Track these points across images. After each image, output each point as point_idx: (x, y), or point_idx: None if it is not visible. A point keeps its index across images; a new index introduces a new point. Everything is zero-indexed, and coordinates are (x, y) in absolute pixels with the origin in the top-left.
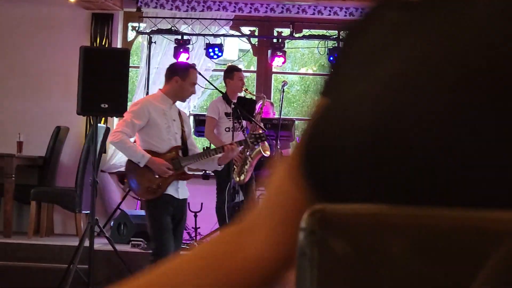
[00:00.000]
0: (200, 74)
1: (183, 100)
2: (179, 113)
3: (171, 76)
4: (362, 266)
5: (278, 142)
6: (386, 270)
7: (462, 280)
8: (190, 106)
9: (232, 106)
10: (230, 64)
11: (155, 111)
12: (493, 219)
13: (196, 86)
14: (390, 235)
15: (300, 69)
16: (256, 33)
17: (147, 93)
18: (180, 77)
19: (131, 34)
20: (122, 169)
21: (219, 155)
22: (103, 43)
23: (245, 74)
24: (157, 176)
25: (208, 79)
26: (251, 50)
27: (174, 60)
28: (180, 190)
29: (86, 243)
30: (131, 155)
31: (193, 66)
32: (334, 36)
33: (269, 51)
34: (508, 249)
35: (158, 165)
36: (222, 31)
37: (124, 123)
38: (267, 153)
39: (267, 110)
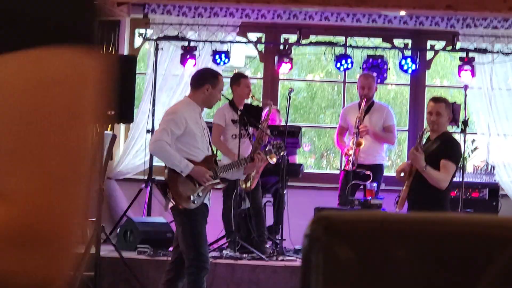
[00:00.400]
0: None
1: (210, 107)
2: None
3: (201, 84)
4: (366, 272)
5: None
6: (390, 276)
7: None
8: None
9: (239, 113)
10: (236, 71)
11: (191, 119)
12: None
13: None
14: (394, 242)
15: (307, 76)
16: (263, 40)
17: (154, 100)
18: (211, 85)
19: (138, 41)
20: (129, 176)
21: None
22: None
23: (251, 80)
24: (197, 185)
25: None
26: (257, 56)
27: (181, 67)
28: (209, 199)
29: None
30: (175, 164)
31: (220, 74)
32: (341, 43)
33: (276, 58)
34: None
35: (201, 174)
36: (229, 38)
37: (163, 131)
38: (274, 160)
39: (273, 117)
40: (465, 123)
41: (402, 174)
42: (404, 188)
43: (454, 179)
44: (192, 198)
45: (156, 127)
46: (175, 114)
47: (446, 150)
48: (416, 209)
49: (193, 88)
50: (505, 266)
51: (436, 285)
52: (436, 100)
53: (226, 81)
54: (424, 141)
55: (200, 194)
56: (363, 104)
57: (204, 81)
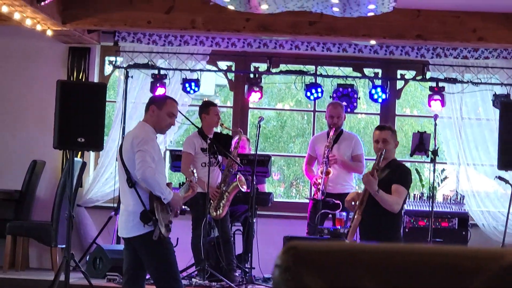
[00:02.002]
0: (168, 103)
1: (162, 133)
2: None
3: (148, 106)
4: None
5: (254, 177)
6: None
7: None
8: (167, 141)
9: (208, 141)
10: (206, 99)
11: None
12: (465, 256)
13: (168, 114)
14: (363, 272)
15: (276, 104)
16: (233, 68)
17: (124, 128)
18: (157, 106)
19: (108, 68)
20: (99, 203)
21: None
22: (80, 77)
23: (221, 109)
24: (169, 213)
25: (184, 114)
26: (227, 85)
27: (151, 95)
28: None
29: (62, 277)
30: (161, 191)
31: (171, 98)
32: (311, 72)
33: (246, 86)
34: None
35: (178, 202)
36: (199, 66)
37: (147, 157)
38: (244, 188)
39: (243, 145)
40: (435, 152)
41: (352, 203)
42: (356, 216)
43: (415, 208)
44: (169, 226)
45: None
46: (151, 139)
47: (396, 176)
48: (369, 237)
49: (145, 112)
50: None
51: None
52: (381, 128)
53: (196, 110)
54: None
55: (171, 222)
56: (331, 133)
57: (151, 103)
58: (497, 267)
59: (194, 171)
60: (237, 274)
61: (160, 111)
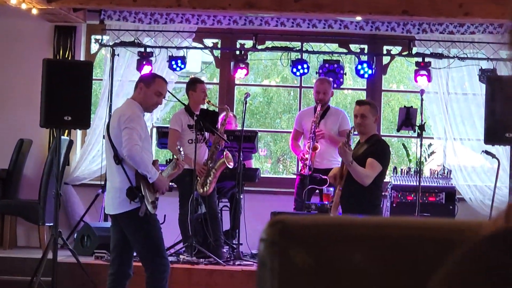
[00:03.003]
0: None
1: (149, 111)
2: None
3: (137, 84)
4: (322, 275)
5: (241, 153)
6: (346, 279)
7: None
8: (153, 118)
9: (195, 118)
10: (192, 76)
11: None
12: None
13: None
14: (349, 245)
15: (263, 81)
16: (219, 45)
17: (110, 106)
18: (144, 84)
19: (94, 47)
20: (86, 181)
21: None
22: (66, 56)
23: (208, 86)
24: (155, 191)
25: (171, 91)
26: (214, 62)
27: (137, 73)
28: None
29: (50, 255)
30: (147, 170)
31: (160, 76)
32: (297, 48)
33: (232, 63)
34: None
35: (164, 184)
36: (185, 44)
37: (135, 135)
38: (231, 165)
39: (229, 122)
40: (422, 127)
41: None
42: (336, 191)
43: (402, 183)
44: (156, 203)
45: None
46: (138, 117)
47: (373, 150)
48: (349, 211)
49: (136, 89)
50: (455, 267)
51: (391, 286)
52: (360, 103)
53: (182, 87)
54: (354, 144)
55: (158, 199)
56: (318, 109)
57: (140, 81)
58: (478, 238)
59: (181, 149)
60: (224, 250)
61: (147, 89)
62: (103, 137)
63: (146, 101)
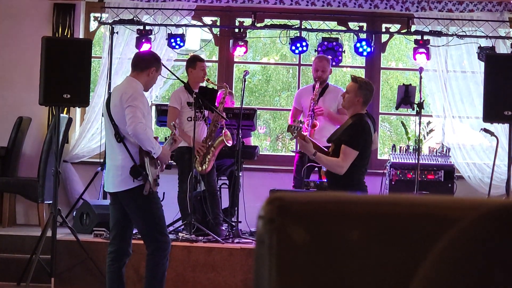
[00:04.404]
0: (162, 64)
1: (147, 91)
2: None
3: (147, 66)
4: (320, 252)
5: (240, 131)
6: (344, 256)
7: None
8: (152, 96)
9: (194, 96)
10: (192, 54)
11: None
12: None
13: (158, 76)
14: (347, 222)
15: (262, 59)
16: (218, 23)
17: (109, 84)
18: (156, 69)
19: (93, 25)
20: (85, 159)
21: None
22: (65, 34)
23: (207, 64)
24: (158, 167)
25: (170, 69)
26: (213, 40)
27: (136, 51)
28: None
29: (49, 233)
30: (151, 146)
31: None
32: (296, 26)
33: (231, 41)
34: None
35: (167, 157)
36: (184, 21)
37: (138, 112)
38: (230, 143)
39: (228, 100)
40: (420, 105)
41: None
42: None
43: (401, 161)
44: (158, 180)
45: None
46: (140, 95)
47: (348, 134)
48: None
49: (138, 69)
50: (450, 244)
51: (387, 264)
52: (351, 79)
53: (182, 65)
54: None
55: (159, 176)
56: (317, 86)
57: (150, 64)
58: (475, 215)
59: (176, 124)
60: (223, 228)
61: (156, 73)
62: (103, 115)
63: (151, 84)
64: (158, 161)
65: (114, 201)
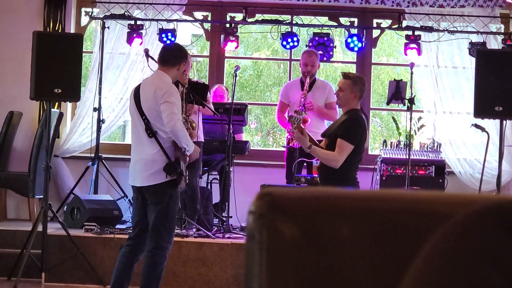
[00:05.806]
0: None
1: None
2: None
3: (179, 62)
4: (311, 248)
5: (231, 126)
6: (335, 251)
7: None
8: None
9: (185, 90)
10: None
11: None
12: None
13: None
14: (338, 218)
15: (253, 54)
16: (209, 18)
17: (100, 79)
18: (185, 64)
19: (84, 19)
20: (76, 154)
21: None
22: (56, 28)
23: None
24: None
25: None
26: (204, 35)
27: (127, 45)
28: None
29: (39, 228)
30: (186, 143)
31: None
32: (287, 21)
33: (222, 36)
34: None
35: (197, 153)
36: (175, 16)
37: (175, 109)
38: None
39: (221, 94)
40: (411, 100)
41: None
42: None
43: (392, 156)
44: (186, 176)
45: (104, 105)
46: (175, 91)
47: (344, 129)
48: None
49: (169, 64)
50: (441, 240)
51: (378, 260)
52: (343, 75)
53: None
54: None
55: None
56: (306, 81)
57: (181, 59)
58: (466, 211)
59: (187, 119)
60: (214, 222)
61: (184, 67)
62: (94, 110)
63: (179, 78)
64: (187, 158)
65: (138, 196)
